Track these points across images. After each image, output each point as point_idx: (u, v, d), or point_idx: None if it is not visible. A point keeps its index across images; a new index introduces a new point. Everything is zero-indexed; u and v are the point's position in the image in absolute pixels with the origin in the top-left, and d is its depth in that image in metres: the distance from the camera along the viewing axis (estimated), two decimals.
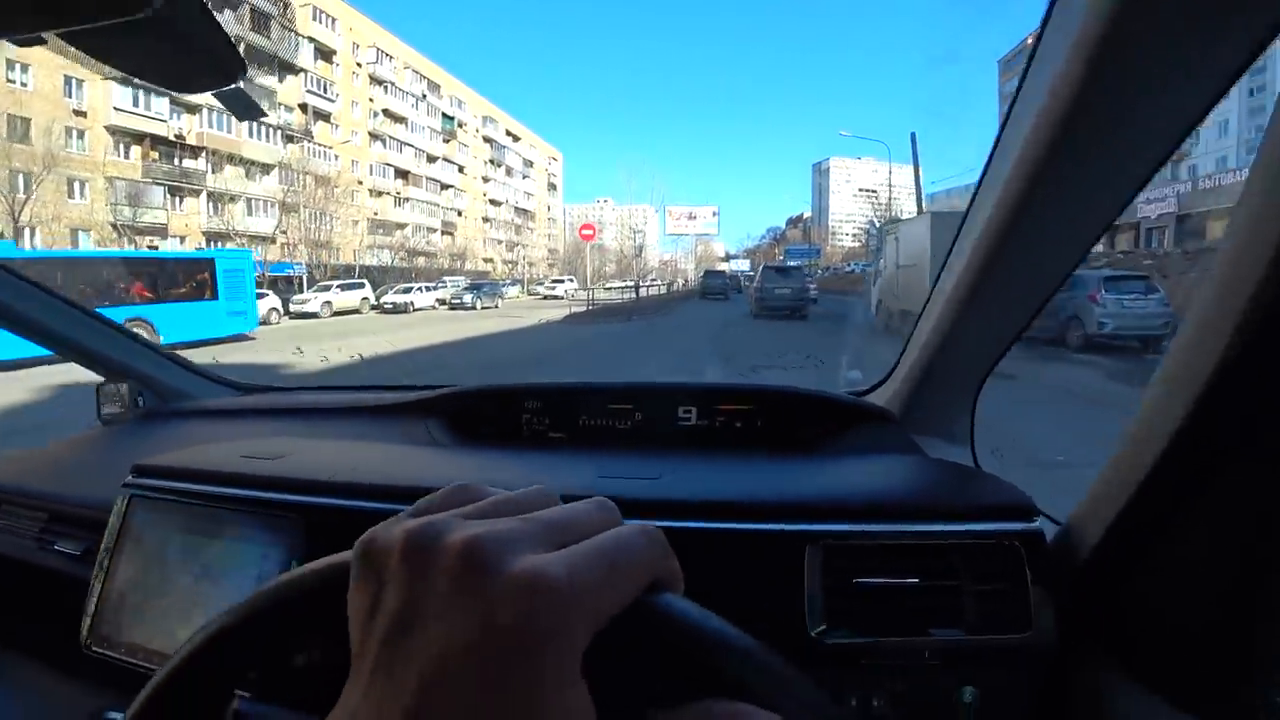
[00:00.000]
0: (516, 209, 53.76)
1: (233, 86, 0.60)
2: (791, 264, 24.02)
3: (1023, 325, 0.87)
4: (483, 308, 23.24)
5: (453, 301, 23.89)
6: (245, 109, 0.72)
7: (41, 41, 0.49)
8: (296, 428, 1.29)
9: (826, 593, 0.68)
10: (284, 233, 27.86)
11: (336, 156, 32.60)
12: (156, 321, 11.39)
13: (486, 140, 48.42)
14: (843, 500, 0.75)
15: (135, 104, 23.36)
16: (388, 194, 36.37)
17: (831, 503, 0.74)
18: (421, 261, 36.54)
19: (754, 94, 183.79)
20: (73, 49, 0.50)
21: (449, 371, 8.27)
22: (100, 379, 1.44)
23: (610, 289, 29.65)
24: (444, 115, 41.62)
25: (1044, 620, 0.65)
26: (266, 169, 27.79)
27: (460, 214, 43.86)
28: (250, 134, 27.14)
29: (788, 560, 0.69)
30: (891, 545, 0.69)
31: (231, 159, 26.54)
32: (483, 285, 27.70)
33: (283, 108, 29.08)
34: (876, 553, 0.69)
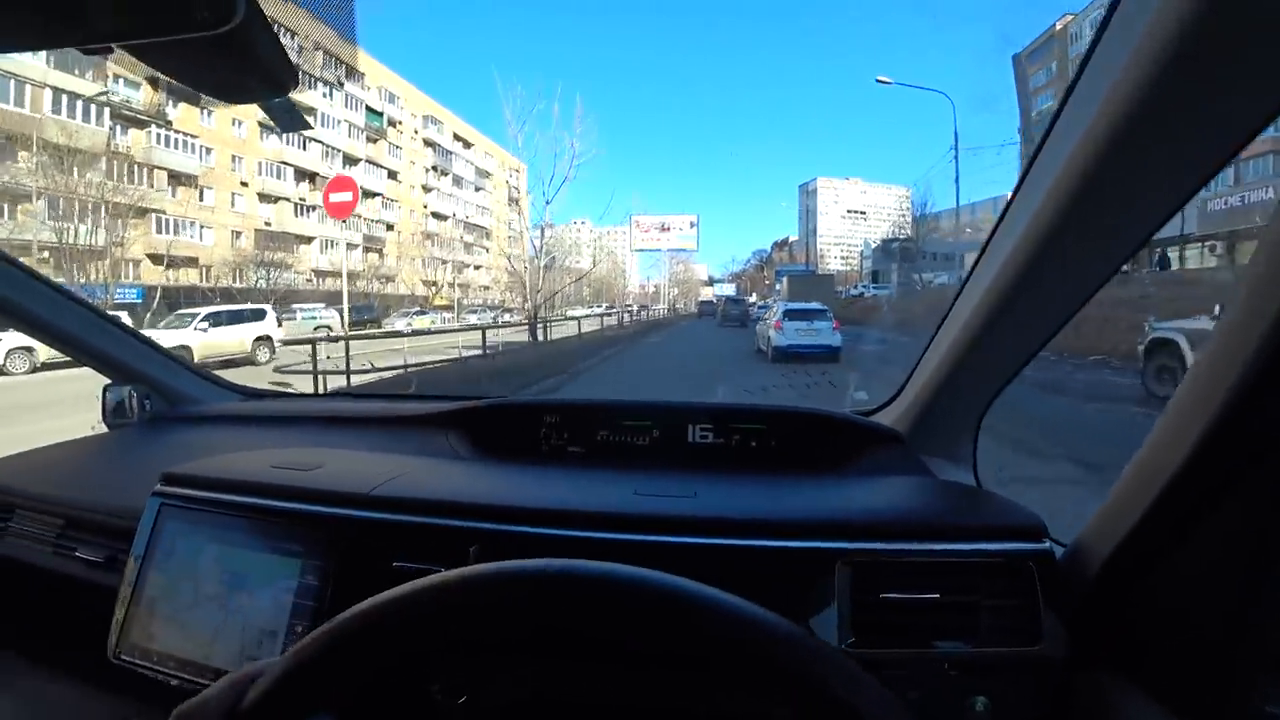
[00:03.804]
0: (468, 225, 46.93)
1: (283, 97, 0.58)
2: (740, 296, 36.02)
3: (1032, 352, 0.90)
4: None
5: None
6: (291, 120, 0.69)
7: (109, 51, 0.49)
8: (310, 437, 1.29)
9: (855, 607, 0.72)
10: (119, 245, 20.82)
11: (209, 150, 25.63)
12: None
13: (428, 144, 41.63)
14: (869, 520, 0.80)
15: None
16: (286, 200, 29.37)
17: (859, 522, 0.79)
18: (330, 284, 29.47)
19: (741, 108, 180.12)
20: (128, 56, 0.50)
21: None
22: (107, 380, 1.41)
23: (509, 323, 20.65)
24: (369, 110, 34.90)
25: (1053, 634, 0.70)
26: (93, 159, 20.65)
27: (391, 228, 36.96)
28: (55, 108, 19.98)
29: (819, 576, 0.74)
30: (914, 564, 0.74)
31: (22, 141, 19.20)
32: None
33: (121, 81, 22.03)
34: (901, 570, 0.74)
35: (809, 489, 0.98)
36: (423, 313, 26.79)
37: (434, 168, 42.41)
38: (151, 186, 22.53)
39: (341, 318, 19.71)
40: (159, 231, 22.67)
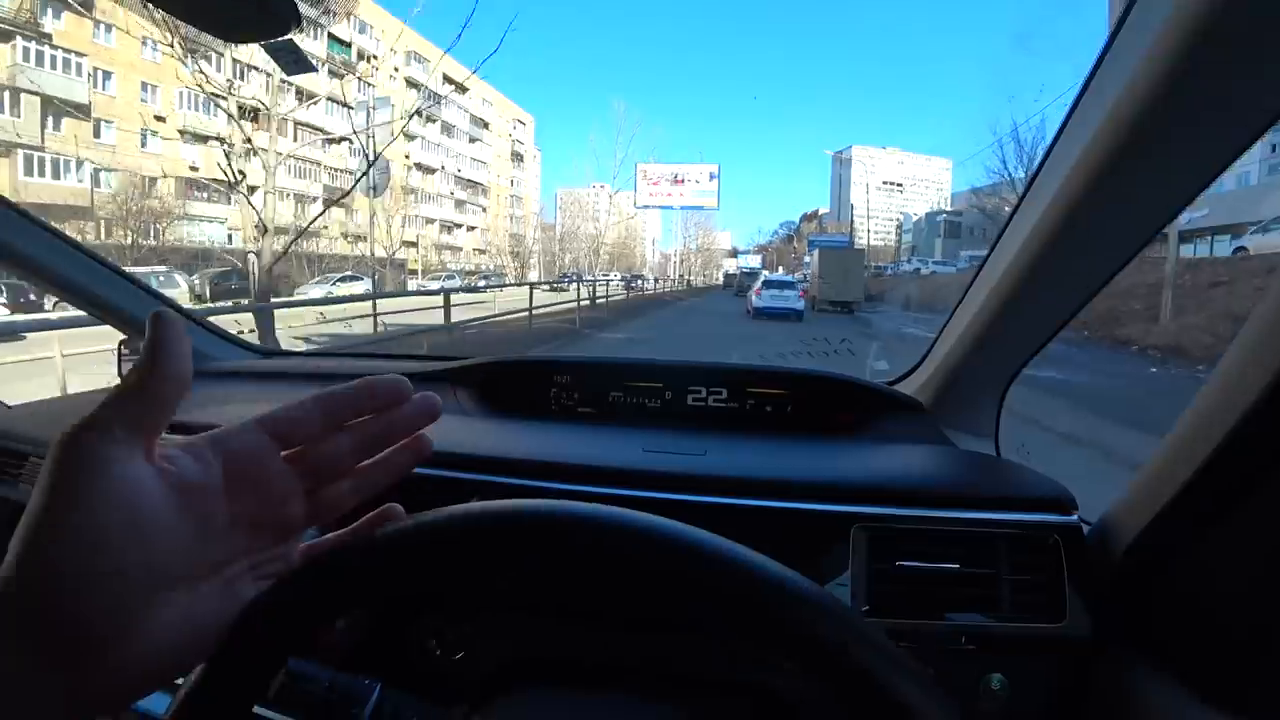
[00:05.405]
0: (459, 179, 41.89)
1: (285, 37, 0.57)
2: (757, 270, 38.25)
3: (1060, 324, 0.86)
4: None
5: None
6: (294, 62, 0.67)
7: None
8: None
9: (870, 574, 0.70)
10: None
11: (108, 75, 20.87)
12: None
13: (411, 84, 36.40)
14: (888, 485, 0.76)
15: None
16: (219, 140, 24.58)
17: (877, 486, 0.75)
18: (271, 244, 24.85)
19: (772, 68, 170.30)
20: None
21: None
22: (122, 335, 1.40)
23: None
24: (333, 39, 29.76)
25: (1078, 612, 0.67)
26: None
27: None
28: None
29: (833, 541, 0.71)
30: (934, 531, 0.71)
31: None
32: None
33: None
34: (919, 538, 0.71)
35: (825, 453, 0.96)
36: (355, 278, 20.14)
37: (418, 112, 37.20)
38: (18, 116, 17.86)
39: (197, 287, 14.97)
40: (28, 174, 18.12)
